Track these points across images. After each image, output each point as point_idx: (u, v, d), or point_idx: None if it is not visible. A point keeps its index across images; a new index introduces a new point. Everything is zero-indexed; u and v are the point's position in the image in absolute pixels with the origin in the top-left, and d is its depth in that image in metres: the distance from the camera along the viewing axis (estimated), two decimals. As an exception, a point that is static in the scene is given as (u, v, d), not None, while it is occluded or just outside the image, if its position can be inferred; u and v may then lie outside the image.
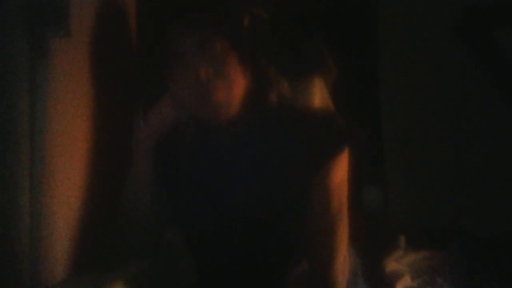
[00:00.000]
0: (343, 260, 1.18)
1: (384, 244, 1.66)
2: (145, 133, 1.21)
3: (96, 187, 1.40)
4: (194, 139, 1.22)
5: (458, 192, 1.83)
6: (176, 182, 1.24)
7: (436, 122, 1.89)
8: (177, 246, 1.31)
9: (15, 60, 1.08)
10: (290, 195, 1.17)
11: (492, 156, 1.80)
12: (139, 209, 1.22)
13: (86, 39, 1.36)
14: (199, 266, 1.27)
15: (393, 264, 1.56)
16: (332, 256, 1.15)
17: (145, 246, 1.28)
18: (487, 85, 1.83)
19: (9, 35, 1.07)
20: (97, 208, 1.39)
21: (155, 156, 1.21)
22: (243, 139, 1.18)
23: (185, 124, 1.21)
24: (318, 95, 1.49)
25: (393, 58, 1.91)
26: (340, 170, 1.17)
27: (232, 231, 1.19)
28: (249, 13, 1.21)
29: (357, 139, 1.18)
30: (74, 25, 1.22)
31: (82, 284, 1.21)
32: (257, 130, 1.18)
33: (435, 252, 1.62)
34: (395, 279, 1.49)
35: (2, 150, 1.05)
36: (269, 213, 1.17)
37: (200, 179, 1.22)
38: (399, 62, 1.92)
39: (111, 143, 1.49)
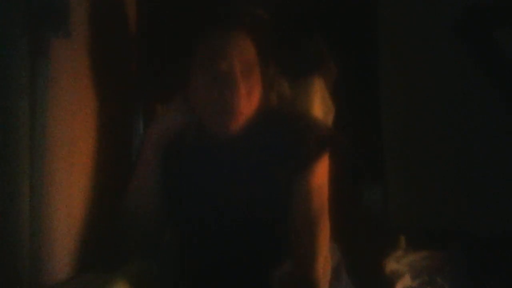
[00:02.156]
0: (325, 260, 1.19)
1: (384, 244, 1.66)
2: (154, 134, 1.22)
3: (96, 187, 1.40)
4: (196, 141, 1.23)
5: (458, 192, 1.83)
6: (175, 183, 1.24)
7: (436, 122, 1.89)
8: (174, 246, 1.32)
9: (15, 60, 1.08)
10: (274, 197, 1.19)
11: (492, 156, 1.80)
12: (142, 209, 1.23)
13: (86, 39, 1.36)
14: (186, 264, 1.28)
15: (393, 264, 1.56)
16: (314, 256, 1.17)
17: (145, 246, 1.28)
18: (487, 85, 1.83)
19: (9, 35, 1.07)
20: (97, 208, 1.39)
21: (160, 157, 1.22)
22: (239, 141, 1.19)
23: (191, 128, 1.22)
24: (318, 95, 1.49)
25: (393, 58, 1.91)
26: (321, 174, 1.20)
27: (220, 231, 1.21)
28: (249, 13, 1.22)
29: (339, 145, 1.21)
30: (74, 25, 1.22)
31: (82, 284, 1.21)
32: (249, 132, 1.19)
33: (435, 252, 1.62)
34: (395, 279, 1.49)
35: (2, 150, 1.05)
36: (254, 214, 1.19)
37: (194, 179, 1.23)
38: (399, 62, 1.92)
39: (111, 143, 1.49)
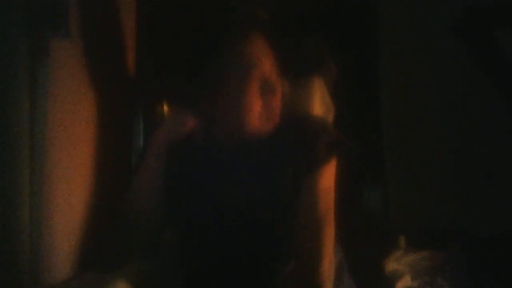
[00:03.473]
0: (329, 262, 1.20)
1: (384, 244, 1.66)
2: (161, 135, 1.22)
3: (96, 187, 1.40)
4: (202, 142, 1.23)
5: (458, 192, 1.83)
6: (178, 183, 1.24)
7: (436, 122, 1.89)
8: (174, 246, 1.32)
9: (15, 60, 1.08)
10: (280, 199, 1.19)
11: (492, 156, 1.80)
12: (142, 209, 1.23)
13: (86, 39, 1.36)
14: (190, 265, 1.28)
15: (393, 264, 1.56)
16: (318, 258, 1.17)
17: (145, 246, 1.28)
18: (487, 85, 1.83)
19: (9, 35, 1.07)
20: (97, 208, 1.39)
21: (164, 158, 1.22)
22: (247, 144, 1.20)
23: (200, 131, 1.22)
24: (318, 95, 1.49)
25: (393, 58, 1.91)
26: (328, 177, 1.21)
27: (224, 232, 1.21)
28: (249, 13, 1.22)
29: (346, 149, 1.21)
30: (74, 25, 1.22)
31: (82, 284, 1.21)
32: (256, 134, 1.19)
33: (435, 252, 1.62)
34: (395, 279, 1.49)
35: (2, 150, 1.05)
36: (260, 215, 1.19)
37: (199, 180, 1.23)
38: (399, 62, 1.92)
39: (111, 143, 1.49)
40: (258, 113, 1.17)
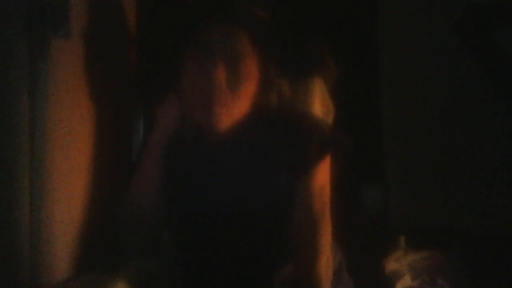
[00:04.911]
0: (326, 262, 1.19)
1: (384, 244, 1.66)
2: (155, 133, 1.21)
3: (96, 187, 1.40)
4: (193, 140, 1.22)
5: (458, 192, 1.83)
6: (175, 183, 1.24)
7: (436, 122, 1.89)
8: (172, 246, 1.32)
9: (15, 60, 1.08)
10: (275, 198, 1.19)
11: (492, 156, 1.80)
12: (142, 209, 1.23)
13: (86, 39, 1.36)
14: (187, 266, 1.28)
15: (393, 264, 1.56)
16: (315, 257, 1.17)
17: (145, 246, 1.28)
18: (487, 85, 1.83)
19: (9, 35, 1.07)
20: (97, 208, 1.39)
21: (161, 159, 1.22)
22: (236, 140, 1.19)
23: (187, 125, 1.21)
24: (318, 95, 1.49)
25: (393, 58, 1.91)
26: (323, 175, 1.20)
27: (219, 233, 1.21)
28: (249, 13, 1.21)
29: (341, 145, 1.21)
30: (74, 25, 1.22)
31: (82, 284, 1.21)
32: (249, 132, 1.19)
33: (435, 252, 1.62)
34: (395, 279, 1.49)
35: (2, 150, 1.05)
36: (256, 215, 1.19)
37: (194, 180, 1.23)
38: (399, 62, 1.92)
39: (110, 143, 1.49)
40: (196, 99, 1.14)
